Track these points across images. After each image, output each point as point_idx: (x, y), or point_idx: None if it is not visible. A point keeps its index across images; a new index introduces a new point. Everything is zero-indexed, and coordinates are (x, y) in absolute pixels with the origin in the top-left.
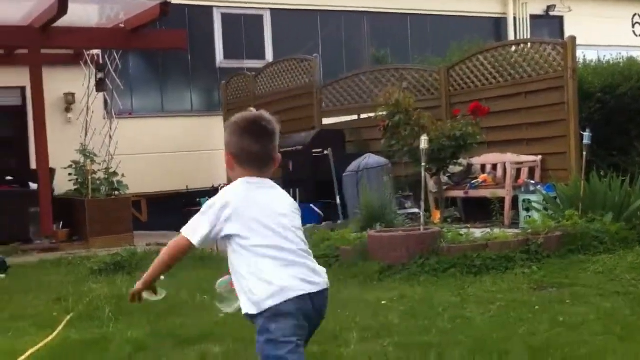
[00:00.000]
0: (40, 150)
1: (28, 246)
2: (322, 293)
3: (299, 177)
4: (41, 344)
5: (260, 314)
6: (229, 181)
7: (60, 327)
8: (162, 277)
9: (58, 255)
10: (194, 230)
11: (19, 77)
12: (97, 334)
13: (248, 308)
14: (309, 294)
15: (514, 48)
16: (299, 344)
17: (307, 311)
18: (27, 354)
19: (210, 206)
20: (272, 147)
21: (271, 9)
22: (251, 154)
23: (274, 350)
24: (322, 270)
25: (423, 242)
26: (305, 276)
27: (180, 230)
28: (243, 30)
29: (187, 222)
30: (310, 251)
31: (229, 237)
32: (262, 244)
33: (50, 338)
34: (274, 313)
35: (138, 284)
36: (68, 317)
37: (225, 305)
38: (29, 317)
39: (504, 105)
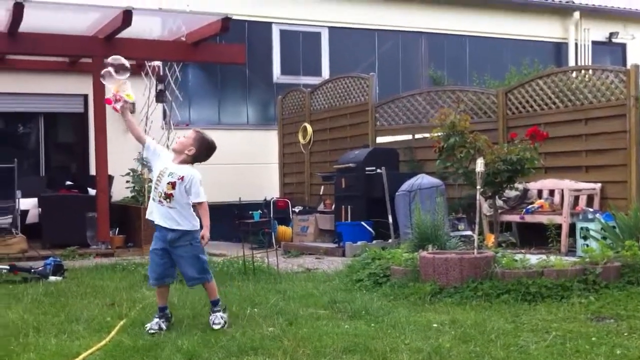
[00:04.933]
0: (100, 157)
1: (85, 250)
2: None
3: (351, 194)
4: (94, 348)
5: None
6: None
7: (113, 332)
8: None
9: (113, 260)
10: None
11: (82, 85)
12: (149, 340)
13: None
14: None
15: (575, 74)
16: None
17: None
18: (81, 357)
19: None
20: None
21: (329, 27)
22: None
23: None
24: None
25: (477, 265)
26: None
27: (202, 200)
28: (300, 47)
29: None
30: None
31: None
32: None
33: (103, 343)
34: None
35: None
36: (121, 323)
37: None
38: (83, 321)
39: (563, 131)
